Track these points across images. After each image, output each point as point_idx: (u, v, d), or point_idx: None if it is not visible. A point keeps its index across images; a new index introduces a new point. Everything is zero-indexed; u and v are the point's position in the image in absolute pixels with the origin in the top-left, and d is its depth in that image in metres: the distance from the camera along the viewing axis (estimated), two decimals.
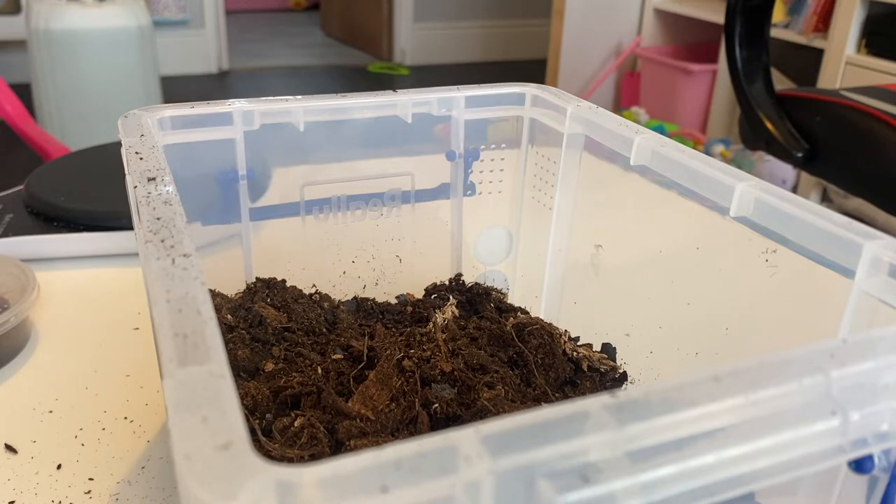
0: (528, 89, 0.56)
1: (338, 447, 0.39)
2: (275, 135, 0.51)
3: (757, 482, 0.24)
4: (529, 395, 0.45)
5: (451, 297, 0.56)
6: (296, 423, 0.40)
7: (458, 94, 0.55)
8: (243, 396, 0.42)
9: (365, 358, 0.45)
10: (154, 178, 0.37)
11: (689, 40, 2.82)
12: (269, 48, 4.25)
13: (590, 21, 2.84)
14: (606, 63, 2.92)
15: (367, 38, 4.18)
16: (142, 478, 0.45)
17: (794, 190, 2.21)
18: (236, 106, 0.50)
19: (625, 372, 0.51)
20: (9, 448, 0.47)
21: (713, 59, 2.58)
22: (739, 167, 0.42)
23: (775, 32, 2.15)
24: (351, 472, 0.20)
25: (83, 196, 0.73)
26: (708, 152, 2.36)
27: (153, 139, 0.42)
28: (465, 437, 0.21)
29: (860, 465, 0.27)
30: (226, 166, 0.51)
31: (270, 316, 0.49)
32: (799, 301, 0.39)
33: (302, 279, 0.55)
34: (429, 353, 0.45)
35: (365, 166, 0.55)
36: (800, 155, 1.15)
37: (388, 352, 0.45)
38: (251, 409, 0.42)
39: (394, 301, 0.58)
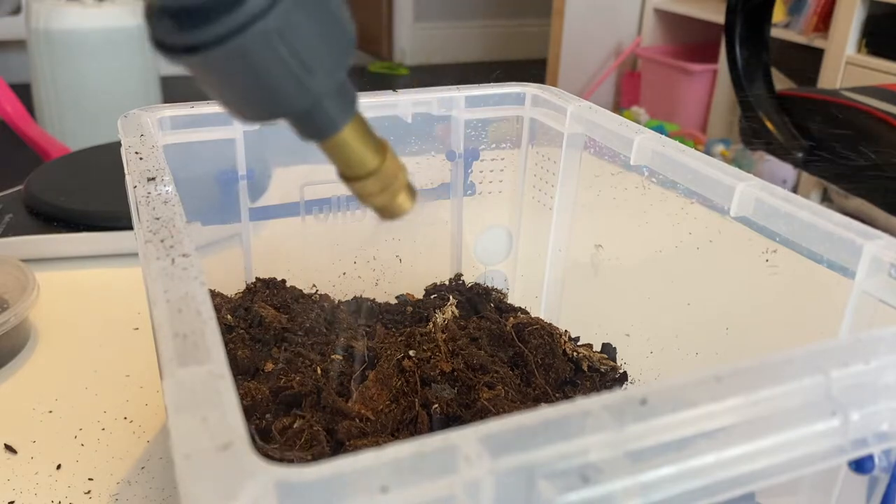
0: (529, 89, 0.56)
1: (338, 447, 0.39)
2: (275, 134, 0.51)
3: (757, 482, 0.24)
4: (529, 395, 0.45)
5: (451, 297, 0.56)
6: (295, 425, 0.40)
7: (458, 94, 0.55)
8: (243, 397, 0.42)
9: (366, 359, 0.45)
10: (154, 178, 0.37)
11: (690, 40, 2.82)
12: None
13: (590, 21, 2.84)
14: (607, 63, 2.92)
15: (367, 38, 4.17)
16: (141, 478, 0.45)
17: (795, 190, 2.21)
18: None
19: (625, 372, 0.51)
20: (8, 448, 0.47)
21: (713, 58, 2.58)
22: (740, 167, 0.42)
23: (775, 32, 2.15)
24: (351, 472, 0.20)
25: (83, 196, 0.73)
26: (708, 152, 2.36)
27: (153, 139, 0.42)
28: (465, 438, 0.21)
29: (860, 466, 0.27)
30: (225, 166, 0.51)
31: (270, 316, 0.49)
32: (799, 301, 0.39)
33: (302, 279, 0.55)
34: (429, 353, 0.45)
35: None
36: (800, 155, 1.15)
37: (388, 352, 0.45)
38: (251, 410, 0.41)
39: (394, 301, 0.58)
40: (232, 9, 0.21)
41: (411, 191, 0.30)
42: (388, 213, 0.30)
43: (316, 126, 0.26)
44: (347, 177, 0.29)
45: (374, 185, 0.28)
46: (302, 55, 0.23)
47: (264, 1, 0.21)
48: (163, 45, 0.22)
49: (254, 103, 0.24)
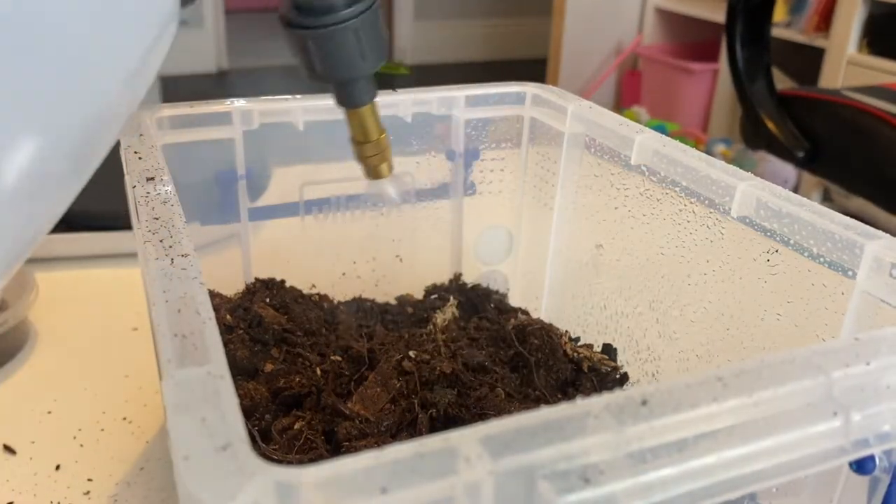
0: (529, 88, 0.56)
1: (337, 449, 0.39)
2: (274, 134, 0.51)
3: (758, 483, 0.24)
4: (530, 395, 0.45)
5: (451, 297, 0.56)
6: (295, 426, 0.40)
7: (459, 94, 0.55)
8: (242, 397, 0.42)
9: (366, 359, 0.45)
10: (153, 178, 0.37)
11: (691, 39, 2.82)
12: (269, 48, 4.24)
13: (590, 20, 2.84)
14: (607, 62, 2.92)
15: None
16: (140, 479, 0.45)
17: (796, 190, 2.21)
18: (235, 105, 0.49)
19: (626, 373, 0.51)
20: (7, 449, 0.47)
21: (714, 58, 2.58)
22: (741, 167, 0.42)
23: (776, 32, 2.15)
24: (350, 473, 0.19)
25: (82, 196, 0.73)
26: (709, 152, 2.36)
27: (152, 139, 0.42)
28: (465, 439, 0.21)
29: (861, 466, 0.27)
30: (225, 166, 0.51)
31: (270, 316, 0.49)
32: (800, 301, 0.38)
33: (301, 279, 0.55)
34: (429, 354, 0.45)
35: None
36: (801, 154, 1.15)
37: (388, 353, 0.45)
38: (250, 410, 0.41)
39: (394, 302, 0.58)
40: (337, 11, 0.36)
41: (391, 165, 0.44)
42: (374, 173, 0.43)
43: (352, 96, 0.41)
44: (357, 140, 0.43)
45: (373, 149, 0.43)
46: (364, 46, 0.38)
47: (355, 11, 0.36)
48: (288, 22, 0.37)
49: (326, 67, 0.38)
